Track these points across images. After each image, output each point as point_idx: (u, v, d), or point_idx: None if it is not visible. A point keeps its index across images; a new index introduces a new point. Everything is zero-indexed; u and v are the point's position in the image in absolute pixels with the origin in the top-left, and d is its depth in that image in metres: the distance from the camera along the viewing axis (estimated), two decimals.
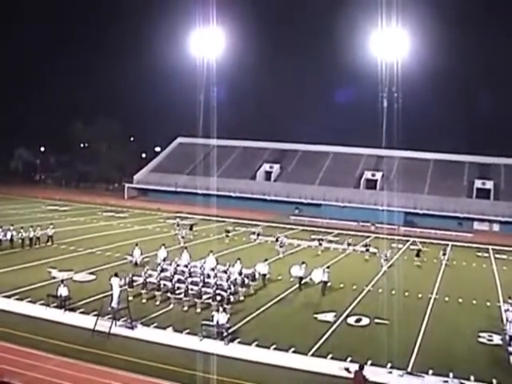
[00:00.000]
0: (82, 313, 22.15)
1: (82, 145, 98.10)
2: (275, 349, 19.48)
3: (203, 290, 23.85)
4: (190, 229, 45.22)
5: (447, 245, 45.36)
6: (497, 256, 44.23)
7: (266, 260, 30.06)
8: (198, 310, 23.14)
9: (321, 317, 23.68)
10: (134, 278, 25.09)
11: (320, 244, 41.25)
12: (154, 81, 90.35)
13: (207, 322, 20.44)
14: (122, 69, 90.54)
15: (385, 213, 57.95)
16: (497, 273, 36.96)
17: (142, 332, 20.38)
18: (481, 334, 22.34)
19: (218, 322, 20.14)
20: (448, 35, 73.26)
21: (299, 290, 28.04)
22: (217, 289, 23.63)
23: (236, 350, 19.26)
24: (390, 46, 52.52)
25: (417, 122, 75.65)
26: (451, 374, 17.82)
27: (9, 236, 34.71)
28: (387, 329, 22.12)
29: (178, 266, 27.17)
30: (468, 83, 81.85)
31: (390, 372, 17.98)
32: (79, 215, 54.17)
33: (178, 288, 24.61)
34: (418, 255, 38.68)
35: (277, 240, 40.18)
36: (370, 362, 18.17)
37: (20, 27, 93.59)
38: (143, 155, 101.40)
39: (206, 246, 35.71)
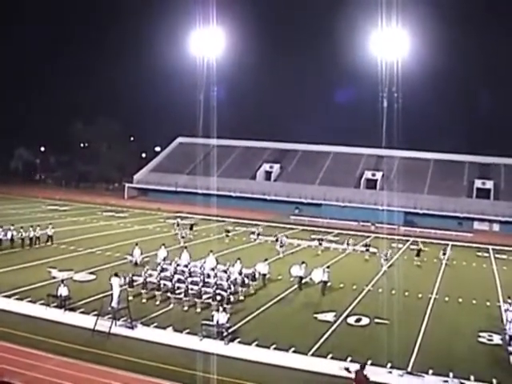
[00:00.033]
0: (82, 313, 22.13)
1: (81, 145, 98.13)
2: (275, 349, 19.47)
3: (203, 289, 23.85)
4: (190, 229, 45.23)
5: (447, 245, 45.31)
6: (497, 256, 44.25)
7: (265, 260, 30.05)
8: (198, 310, 23.13)
9: (321, 317, 23.67)
10: (134, 278, 25.08)
11: (320, 244, 41.25)
12: (154, 81, 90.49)
13: (207, 322, 20.43)
14: (122, 69, 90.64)
15: (385, 213, 57.98)
16: (497, 273, 36.96)
17: (141, 332, 20.37)
18: (481, 334, 22.34)
19: (218, 322, 20.14)
20: (448, 35, 73.33)
21: (299, 290, 28.05)
22: (217, 288, 23.63)
23: (236, 349, 19.25)
24: (389, 45, 52.59)
25: (417, 122, 75.71)
26: (451, 374, 17.82)
27: (9, 236, 34.71)
28: (387, 329, 22.11)
29: (178, 265, 27.17)
30: (468, 83, 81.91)
31: (390, 372, 17.98)
32: (79, 215, 54.17)
33: (178, 288, 24.60)
34: (418, 255, 38.71)
35: (277, 240, 40.17)
36: (369, 362, 18.15)
37: (20, 27, 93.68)
38: (143, 155, 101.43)
39: (206, 246, 35.73)
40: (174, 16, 72.81)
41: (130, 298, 23.78)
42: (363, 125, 69.26)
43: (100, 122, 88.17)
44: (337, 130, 79.43)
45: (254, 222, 54.73)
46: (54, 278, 27.39)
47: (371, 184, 72.31)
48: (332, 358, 18.85)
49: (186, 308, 23.43)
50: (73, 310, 22.36)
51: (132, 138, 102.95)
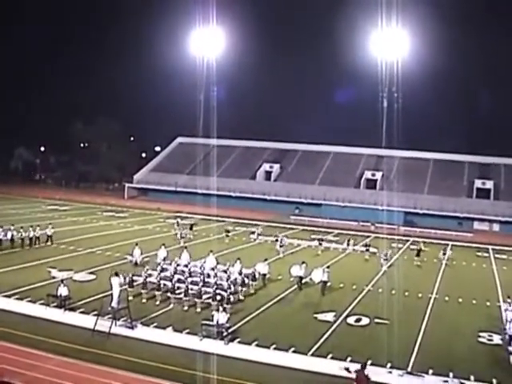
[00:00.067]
0: (81, 312, 22.13)
1: (82, 145, 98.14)
2: (275, 348, 19.47)
3: (203, 289, 23.85)
4: (190, 228, 45.24)
5: (447, 245, 45.33)
6: (497, 256, 44.25)
7: (265, 260, 30.05)
8: (198, 310, 23.13)
9: (321, 317, 23.67)
10: (134, 278, 25.08)
11: (320, 244, 41.25)
12: (154, 81, 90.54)
13: (207, 322, 20.43)
14: (122, 69, 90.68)
15: (385, 213, 58.01)
16: (497, 273, 36.96)
17: (141, 332, 20.37)
18: (481, 334, 22.34)
19: (217, 322, 20.14)
20: (448, 35, 73.37)
21: (299, 290, 28.05)
22: (217, 288, 23.63)
23: (236, 349, 19.25)
24: (390, 45, 52.55)
25: (417, 122, 75.75)
26: (451, 374, 17.82)
27: (9, 236, 34.70)
28: (387, 328, 22.11)
29: (178, 265, 27.17)
30: (468, 83, 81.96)
31: (390, 372, 17.98)
32: (79, 215, 54.17)
33: (178, 288, 24.60)
34: (418, 255, 38.71)
35: (277, 240, 40.17)
36: (369, 362, 18.14)
37: (20, 27, 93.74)
38: (143, 155, 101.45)
39: (206, 246, 35.73)
40: (174, 16, 72.87)
41: (130, 297, 23.76)
42: (363, 125, 69.30)
43: (100, 122, 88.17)
44: (337, 130, 79.53)
45: (253, 222, 54.72)
46: (54, 277, 27.39)
47: (371, 184, 72.31)
48: (332, 358, 18.85)
49: (185, 308, 23.43)
50: (73, 309, 22.36)
51: (132, 138, 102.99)
